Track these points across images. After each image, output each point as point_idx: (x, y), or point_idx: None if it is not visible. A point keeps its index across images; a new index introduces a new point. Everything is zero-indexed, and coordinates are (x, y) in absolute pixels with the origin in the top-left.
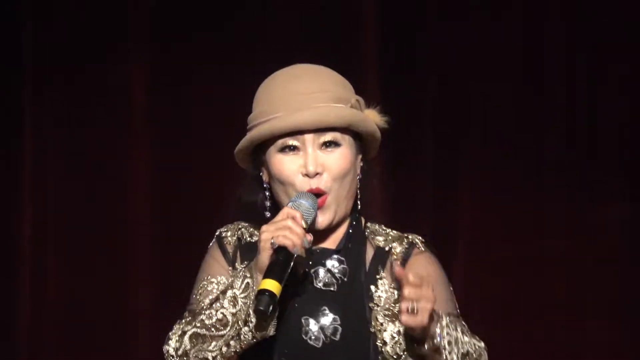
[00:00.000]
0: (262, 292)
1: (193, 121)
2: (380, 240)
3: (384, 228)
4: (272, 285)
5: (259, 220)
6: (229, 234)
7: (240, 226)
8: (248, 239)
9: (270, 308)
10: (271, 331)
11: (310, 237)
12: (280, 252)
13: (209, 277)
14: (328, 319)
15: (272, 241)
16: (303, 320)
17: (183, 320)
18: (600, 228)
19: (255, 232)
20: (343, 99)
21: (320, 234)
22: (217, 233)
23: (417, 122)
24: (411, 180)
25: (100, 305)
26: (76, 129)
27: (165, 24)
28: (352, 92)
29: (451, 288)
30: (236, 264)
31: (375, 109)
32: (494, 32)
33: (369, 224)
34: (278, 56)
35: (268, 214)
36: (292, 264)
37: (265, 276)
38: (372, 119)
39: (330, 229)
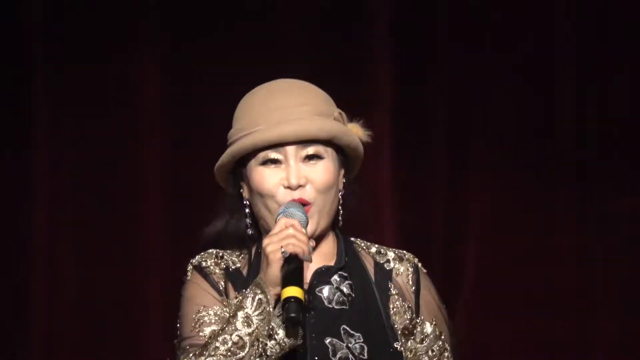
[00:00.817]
0: (288, 300)
1: (206, 120)
2: (373, 252)
3: (370, 242)
4: (297, 292)
5: (230, 248)
6: (208, 263)
7: (220, 254)
8: (232, 266)
9: (301, 314)
10: (299, 339)
11: (313, 243)
12: (292, 261)
13: (203, 307)
14: (352, 337)
15: (283, 250)
16: (327, 342)
17: (190, 355)
18: (610, 223)
19: (236, 259)
20: (325, 112)
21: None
22: (194, 264)
23: (428, 120)
24: (420, 181)
25: (111, 303)
26: (89, 126)
27: (179, 22)
28: (334, 106)
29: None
30: (229, 293)
31: (358, 122)
32: (498, 35)
33: (352, 238)
34: (294, 55)
35: (250, 232)
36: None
37: (285, 285)
38: (355, 132)
39: (318, 245)
